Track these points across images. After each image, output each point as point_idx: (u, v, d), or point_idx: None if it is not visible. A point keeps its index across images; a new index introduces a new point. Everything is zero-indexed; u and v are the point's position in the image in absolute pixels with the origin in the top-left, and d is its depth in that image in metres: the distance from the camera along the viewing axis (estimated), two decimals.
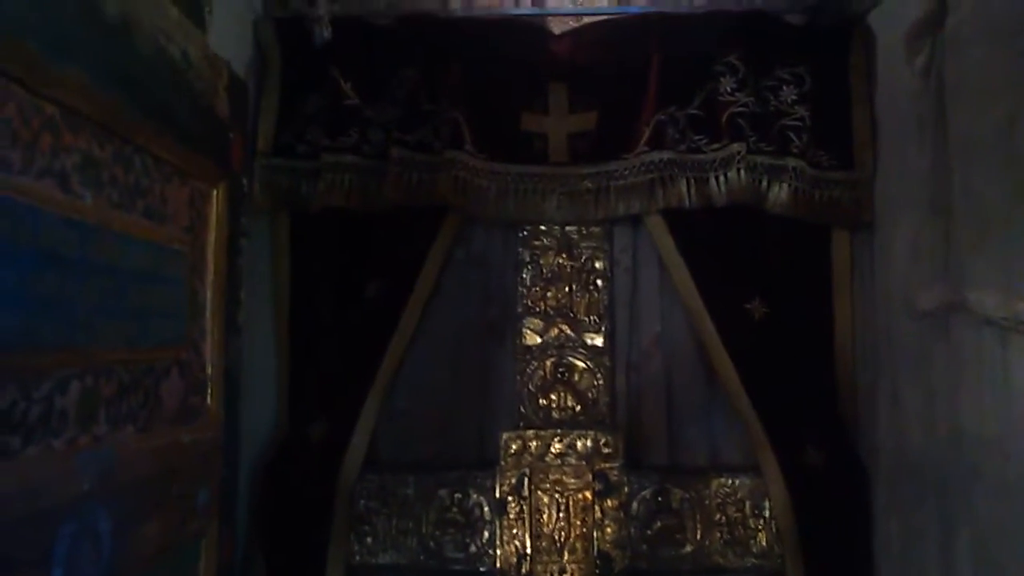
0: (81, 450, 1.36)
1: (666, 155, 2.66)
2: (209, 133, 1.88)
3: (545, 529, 2.66)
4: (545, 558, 2.65)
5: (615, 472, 2.67)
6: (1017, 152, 1.96)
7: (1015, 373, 1.95)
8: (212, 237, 1.92)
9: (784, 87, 2.69)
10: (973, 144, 2.12)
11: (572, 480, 2.69)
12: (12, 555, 1.18)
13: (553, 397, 2.79)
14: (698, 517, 2.67)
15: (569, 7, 2.92)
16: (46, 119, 1.30)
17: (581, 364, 2.80)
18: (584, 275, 2.83)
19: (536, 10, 2.92)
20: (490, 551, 2.66)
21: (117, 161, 1.49)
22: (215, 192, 1.94)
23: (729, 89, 2.67)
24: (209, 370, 1.91)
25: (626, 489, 2.67)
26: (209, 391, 1.91)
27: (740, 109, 2.66)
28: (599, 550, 2.64)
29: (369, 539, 2.69)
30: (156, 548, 1.63)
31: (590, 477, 2.68)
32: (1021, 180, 1.94)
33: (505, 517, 2.67)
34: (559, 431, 2.72)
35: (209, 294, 1.90)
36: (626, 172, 2.70)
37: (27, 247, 1.22)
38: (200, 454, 1.85)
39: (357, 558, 2.67)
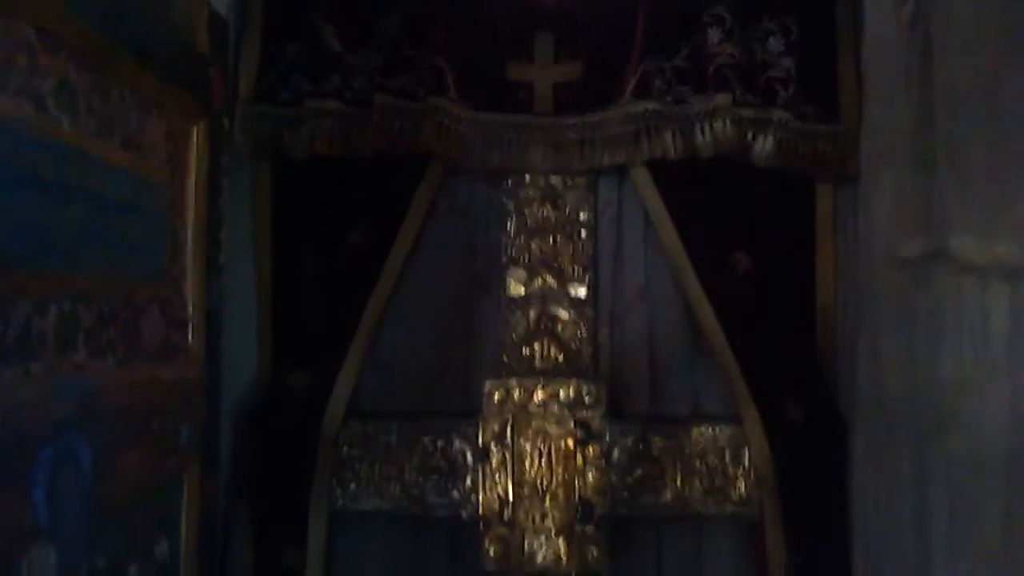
0: (60, 376, 1.36)
1: (651, 105, 2.64)
2: (189, 68, 1.86)
3: (527, 476, 2.68)
4: (527, 504, 2.67)
5: (597, 420, 2.69)
6: (1000, 102, 1.98)
7: (994, 318, 1.98)
8: (192, 175, 1.90)
9: (770, 38, 2.68)
10: (958, 95, 2.12)
11: (554, 428, 2.70)
12: None
13: (536, 347, 2.80)
14: (678, 465, 2.70)
15: None
16: (21, 39, 1.27)
17: (565, 315, 2.81)
18: (568, 226, 2.83)
19: None
20: (472, 497, 2.68)
21: (94, 90, 1.46)
22: (195, 130, 1.91)
23: (716, 40, 2.65)
24: (190, 309, 1.90)
25: (607, 437, 2.69)
26: (190, 331, 1.90)
27: (726, 60, 2.64)
28: (580, 497, 2.66)
29: (352, 485, 2.70)
30: (137, 480, 1.64)
31: (572, 425, 2.70)
32: (1004, 130, 1.96)
33: (488, 464, 2.68)
34: (542, 380, 2.73)
35: (190, 232, 1.89)
36: (611, 122, 2.68)
37: (2, 165, 1.20)
38: (181, 392, 1.85)
39: (340, 503, 2.69)
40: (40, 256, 1.31)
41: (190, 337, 1.90)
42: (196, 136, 1.92)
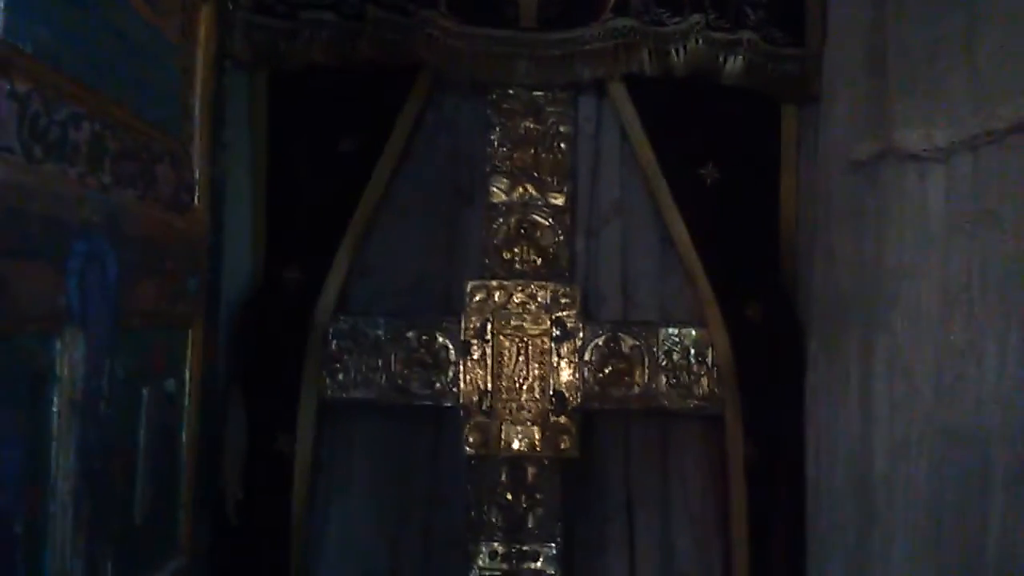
0: (90, 189, 1.51)
1: (630, 22, 2.82)
2: None
3: (505, 370, 2.87)
4: (504, 396, 2.86)
5: (572, 320, 2.88)
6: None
7: (931, 201, 2.19)
8: (202, 49, 2.04)
9: None
10: (906, 4, 2.33)
11: (532, 327, 2.89)
12: (34, 251, 1.32)
13: (516, 251, 2.97)
14: (646, 362, 2.89)
15: None
16: None
17: (543, 221, 2.98)
18: (549, 139, 3.00)
19: None
20: (454, 388, 2.86)
21: None
22: (204, 8, 2.06)
23: None
24: (197, 174, 2.04)
25: (581, 335, 2.88)
26: (197, 194, 2.05)
27: None
28: (554, 390, 2.85)
29: (341, 376, 2.87)
30: (153, 311, 1.78)
31: (548, 324, 2.88)
32: (942, 27, 2.17)
33: (469, 358, 2.86)
34: (521, 282, 2.91)
35: (198, 101, 2.03)
36: (591, 37, 2.86)
37: None
38: (190, 245, 1.99)
39: (329, 393, 2.85)
40: (77, 66, 1.43)
41: (196, 200, 2.05)
42: (204, 14, 2.06)
